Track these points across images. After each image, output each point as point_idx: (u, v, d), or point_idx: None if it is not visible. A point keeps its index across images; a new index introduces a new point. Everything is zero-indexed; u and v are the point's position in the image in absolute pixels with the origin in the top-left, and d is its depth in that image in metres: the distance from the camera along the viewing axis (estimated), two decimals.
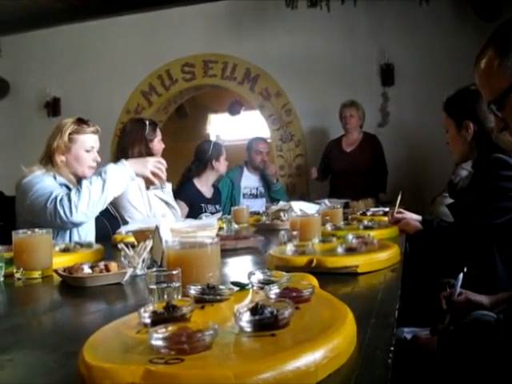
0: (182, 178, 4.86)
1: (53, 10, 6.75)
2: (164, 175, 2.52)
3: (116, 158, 3.67)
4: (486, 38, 1.57)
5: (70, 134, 2.90)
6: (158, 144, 3.76)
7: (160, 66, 6.90)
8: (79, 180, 2.98)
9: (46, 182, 2.74)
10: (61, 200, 2.58)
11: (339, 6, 5.53)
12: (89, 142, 2.96)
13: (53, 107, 7.25)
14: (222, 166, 4.75)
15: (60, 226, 2.62)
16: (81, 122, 2.96)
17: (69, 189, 2.80)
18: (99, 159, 3.02)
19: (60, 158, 2.88)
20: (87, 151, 2.94)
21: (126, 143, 3.67)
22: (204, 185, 4.73)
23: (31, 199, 2.65)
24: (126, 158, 3.61)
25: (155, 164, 2.53)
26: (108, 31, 7.04)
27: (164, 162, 2.63)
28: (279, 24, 6.35)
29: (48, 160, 2.88)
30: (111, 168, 2.73)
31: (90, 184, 2.65)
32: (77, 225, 2.71)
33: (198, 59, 6.77)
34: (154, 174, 2.53)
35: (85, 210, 2.59)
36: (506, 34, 1.52)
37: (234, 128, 9.64)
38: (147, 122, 3.79)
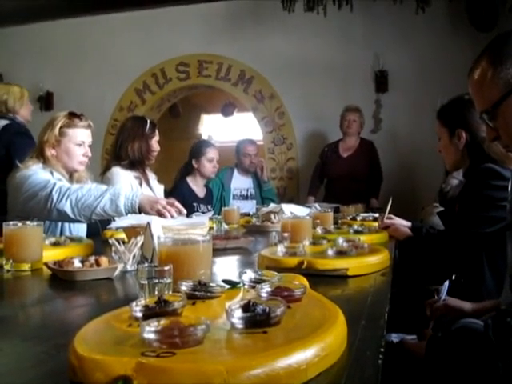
0: (178, 175, 4.89)
1: (49, 4, 6.71)
2: (169, 216, 2.48)
3: (114, 153, 3.67)
4: (480, 49, 1.58)
5: (60, 127, 2.88)
6: (155, 144, 3.77)
7: (155, 65, 6.89)
8: (71, 175, 2.97)
9: (42, 174, 2.72)
10: (60, 187, 2.56)
11: (336, 11, 5.55)
12: (79, 137, 2.94)
13: (45, 101, 7.22)
14: (202, 166, 4.72)
15: (43, 213, 2.56)
16: (73, 115, 2.94)
17: None
18: (90, 154, 3.00)
19: (50, 152, 2.87)
20: (78, 145, 2.92)
21: (125, 138, 3.68)
22: (196, 184, 4.74)
23: (27, 188, 2.63)
24: (125, 153, 3.61)
25: (164, 205, 2.50)
26: (104, 27, 7.03)
27: (178, 205, 2.59)
28: (275, 27, 6.36)
29: (39, 154, 2.87)
30: (122, 189, 2.63)
31: (94, 186, 2.63)
32: (55, 216, 2.61)
33: (193, 59, 6.77)
34: (159, 213, 2.49)
35: (73, 203, 2.54)
36: (501, 45, 1.53)
37: (227, 129, 9.63)
38: (148, 121, 3.80)
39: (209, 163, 4.71)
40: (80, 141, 2.93)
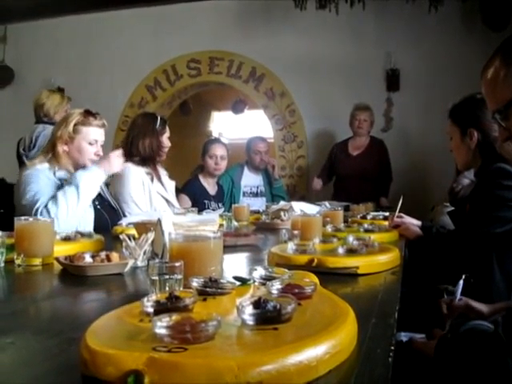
0: (192, 173, 4.97)
1: (60, 0, 6.74)
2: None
3: (126, 150, 3.69)
4: (493, 48, 1.57)
5: (75, 124, 2.90)
6: (166, 140, 3.78)
7: (166, 61, 6.90)
8: None
9: (39, 184, 2.74)
10: (41, 212, 2.60)
11: (348, 9, 5.54)
12: (93, 135, 2.97)
13: None
14: (205, 163, 4.80)
15: None
16: (88, 114, 2.96)
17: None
18: (101, 153, 3.03)
19: (62, 148, 2.89)
20: (90, 144, 2.95)
21: (136, 135, 3.69)
22: (206, 181, 4.76)
23: (21, 200, 2.70)
24: (136, 149, 3.64)
25: (117, 156, 2.72)
26: (115, 23, 7.04)
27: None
28: (287, 24, 6.35)
29: (50, 149, 2.89)
30: (81, 174, 2.79)
31: (64, 194, 2.68)
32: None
33: (204, 56, 6.77)
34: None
35: (65, 217, 2.63)
36: None
37: (237, 126, 9.63)
38: (158, 117, 3.81)
39: (210, 160, 4.74)
40: (93, 139, 2.95)
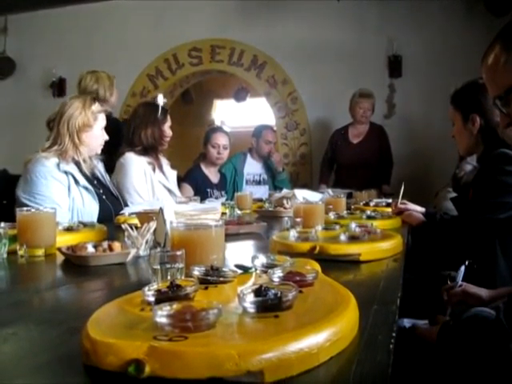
0: (194, 162, 4.97)
1: None
2: None
3: (127, 139, 3.68)
4: (495, 33, 1.57)
5: (92, 112, 2.91)
6: (167, 129, 3.78)
7: (167, 50, 6.88)
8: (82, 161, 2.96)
9: (49, 190, 2.72)
10: None
11: None
12: (104, 121, 3.01)
13: (58, 87, 7.23)
14: (207, 152, 4.81)
15: None
16: (96, 101, 2.98)
17: (73, 177, 2.80)
18: (107, 138, 3.06)
19: (84, 135, 2.89)
20: (102, 129, 2.99)
21: (137, 125, 3.68)
22: (208, 170, 4.77)
23: (25, 200, 2.67)
24: (138, 139, 3.64)
25: None
26: (116, 13, 7.02)
27: None
28: (288, 11, 6.32)
29: (68, 138, 2.86)
30: None
31: None
32: None
33: (206, 44, 6.75)
34: None
35: None
36: None
37: (240, 114, 9.61)
38: (160, 106, 3.80)
39: (213, 149, 4.74)
40: (104, 125, 2.99)
